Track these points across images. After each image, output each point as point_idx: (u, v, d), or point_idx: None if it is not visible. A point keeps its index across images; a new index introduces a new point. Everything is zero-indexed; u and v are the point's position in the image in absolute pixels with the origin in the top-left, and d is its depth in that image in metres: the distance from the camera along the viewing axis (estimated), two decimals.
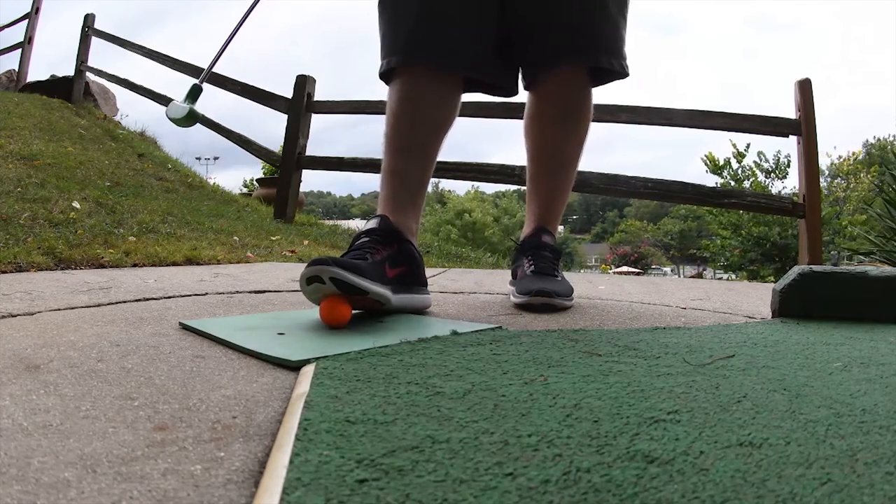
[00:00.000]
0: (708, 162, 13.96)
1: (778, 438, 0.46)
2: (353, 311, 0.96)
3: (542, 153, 1.43)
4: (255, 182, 6.31)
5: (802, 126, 3.10)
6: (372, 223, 1.18)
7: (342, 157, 4.23)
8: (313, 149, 4.47)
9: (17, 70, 7.36)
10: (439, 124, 1.32)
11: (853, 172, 15.43)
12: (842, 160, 17.15)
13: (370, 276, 0.98)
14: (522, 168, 3.63)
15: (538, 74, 1.38)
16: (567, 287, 1.28)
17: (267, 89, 4.64)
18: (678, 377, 0.65)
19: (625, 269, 31.43)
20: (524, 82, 1.42)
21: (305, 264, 0.94)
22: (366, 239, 1.13)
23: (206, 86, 1.38)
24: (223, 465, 0.43)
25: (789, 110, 3.23)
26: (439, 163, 1.41)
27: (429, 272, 1.71)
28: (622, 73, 1.33)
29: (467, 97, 1.44)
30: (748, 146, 13.95)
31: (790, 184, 14.16)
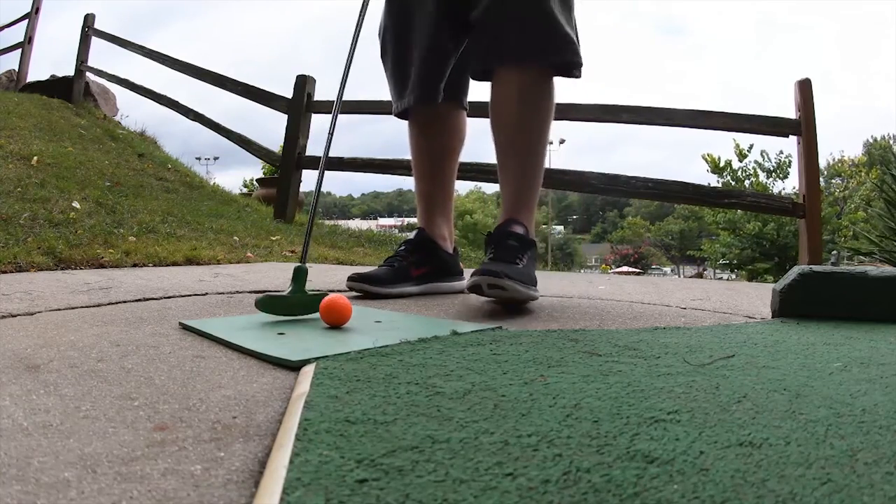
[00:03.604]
0: (708, 161, 14.05)
1: (778, 438, 0.46)
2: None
3: (502, 139, 1.42)
4: (255, 182, 6.31)
5: (802, 126, 3.10)
6: (412, 235, 1.58)
7: (342, 157, 4.22)
8: (313, 149, 4.48)
9: (17, 70, 7.35)
10: (450, 149, 1.65)
11: (854, 174, 15.47)
12: (838, 160, 17.16)
13: (388, 281, 1.41)
14: None
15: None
16: (524, 273, 1.19)
17: (267, 89, 4.65)
18: (678, 377, 0.65)
19: (625, 269, 31.41)
20: (480, 77, 1.45)
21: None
22: (401, 248, 1.53)
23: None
24: (223, 465, 0.43)
25: (791, 111, 3.23)
26: None
27: None
28: (575, 63, 1.35)
29: (469, 98, 1.68)
30: (751, 146, 14.01)
31: (790, 184, 14.20)
